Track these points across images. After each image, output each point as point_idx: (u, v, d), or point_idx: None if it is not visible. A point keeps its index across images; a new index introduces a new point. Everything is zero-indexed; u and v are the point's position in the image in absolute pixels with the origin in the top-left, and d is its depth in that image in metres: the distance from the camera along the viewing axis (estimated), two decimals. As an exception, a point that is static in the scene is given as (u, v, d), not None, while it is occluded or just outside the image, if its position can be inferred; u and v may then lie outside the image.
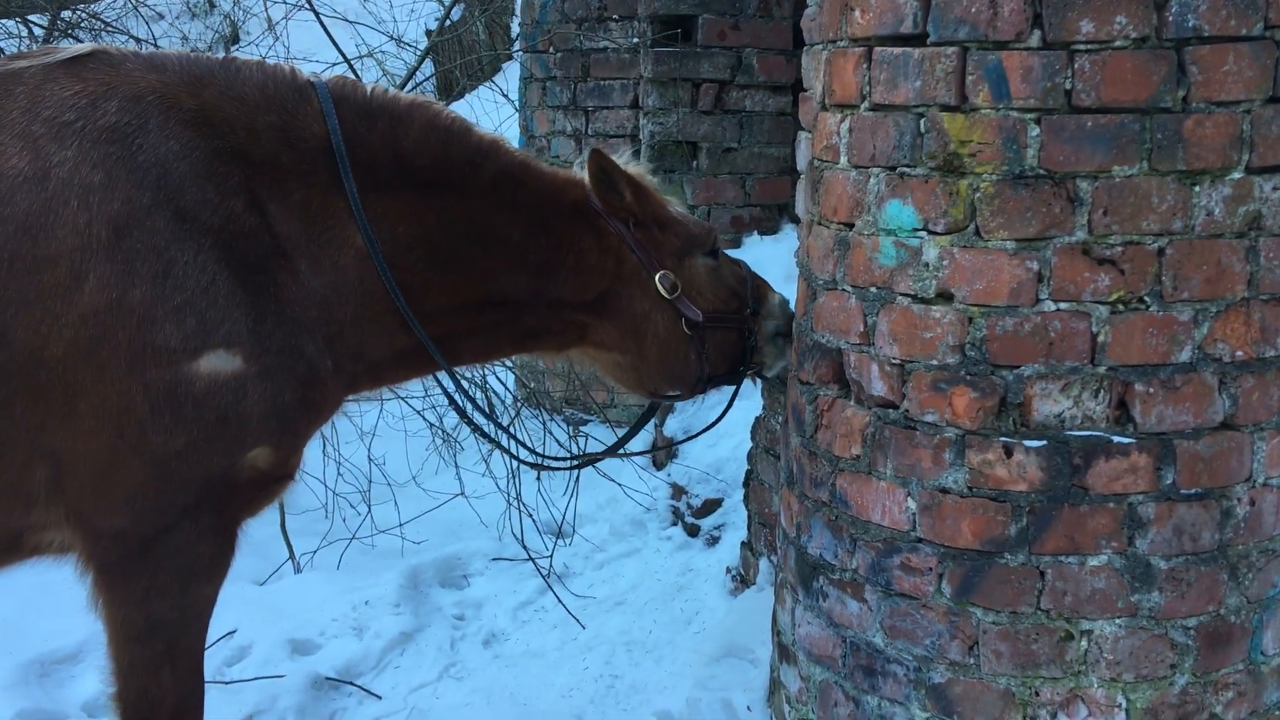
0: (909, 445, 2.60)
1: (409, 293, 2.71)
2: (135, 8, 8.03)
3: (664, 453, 5.06)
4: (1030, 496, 2.50)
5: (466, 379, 5.33)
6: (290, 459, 2.72)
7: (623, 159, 3.02)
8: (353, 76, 3.23)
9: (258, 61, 2.72)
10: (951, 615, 2.57)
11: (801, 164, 3.81)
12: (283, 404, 2.55)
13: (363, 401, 3.76)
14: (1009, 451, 2.50)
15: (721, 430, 5.01)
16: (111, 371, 2.37)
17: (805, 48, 3.72)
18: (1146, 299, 2.44)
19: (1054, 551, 2.50)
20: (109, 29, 7.19)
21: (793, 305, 3.16)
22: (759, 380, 3.40)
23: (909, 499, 2.61)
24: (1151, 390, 2.46)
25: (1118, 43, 2.36)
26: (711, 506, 4.82)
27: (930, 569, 2.59)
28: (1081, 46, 2.37)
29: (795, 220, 5.88)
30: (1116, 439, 2.47)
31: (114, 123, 2.44)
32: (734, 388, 3.28)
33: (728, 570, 4.38)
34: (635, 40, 5.61)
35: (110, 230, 2.37)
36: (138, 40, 7.06)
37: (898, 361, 2.61)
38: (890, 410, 2.64)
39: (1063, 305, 2.46)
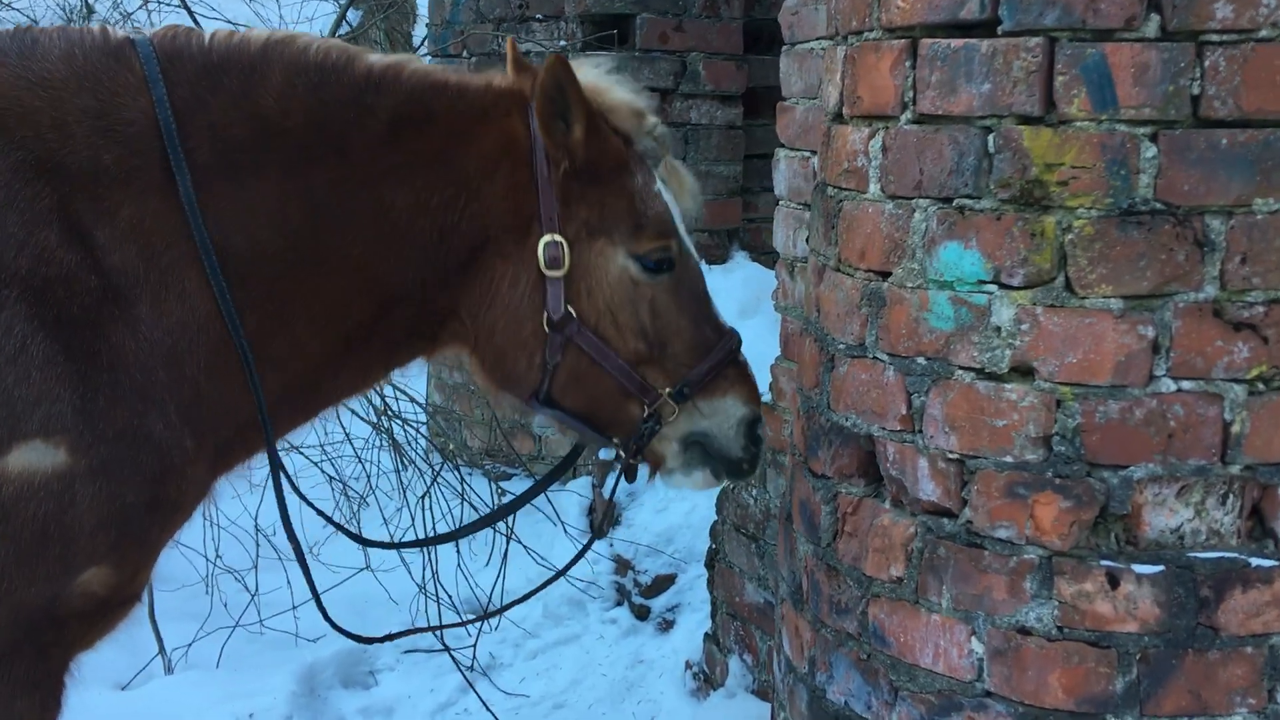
0: (974, 569, 1.96)
1: (274, 319, 2.06)
2: None
3: (604, 518, 4.37)
4: (1143, 640, 1.88)
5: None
6: (137, 576, 2.12)
7: (593, 73, 2.23)
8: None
9: (59, 27, 2.05)
10: (1033, 795, 1.94)
11: (781, 188, 3.19)
12: (125, 508, 1.99)
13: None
14: (1114, 580, 1.87)
15: (671, 492, 4.39)
16: None
17: (785, 48, 3.12)
18: (1295, 376, 1.85)
19: (1174, 713, 1.90)
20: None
21: (762, 388, 2.32)
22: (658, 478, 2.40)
23: (974, 639, 1.97)
24: (1300, 497, 1.87)
25: (1263, 32, 1.77)
26: (663, 584, 4.17)
27: (1005, 734, 1.95)
28: (1215, 38, 1.78)
29: (747, 248, 5.26)
30: (1255, 562, 1.87)
31: None
32: (618, 465, 2.36)
33: (688, 665, 3.73)
34: (563, 43, 4.94)
35: None
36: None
37: (956, 456, 1.97)
38: (946, 520, 2.00)
39: (1186, 385, 1.85)
